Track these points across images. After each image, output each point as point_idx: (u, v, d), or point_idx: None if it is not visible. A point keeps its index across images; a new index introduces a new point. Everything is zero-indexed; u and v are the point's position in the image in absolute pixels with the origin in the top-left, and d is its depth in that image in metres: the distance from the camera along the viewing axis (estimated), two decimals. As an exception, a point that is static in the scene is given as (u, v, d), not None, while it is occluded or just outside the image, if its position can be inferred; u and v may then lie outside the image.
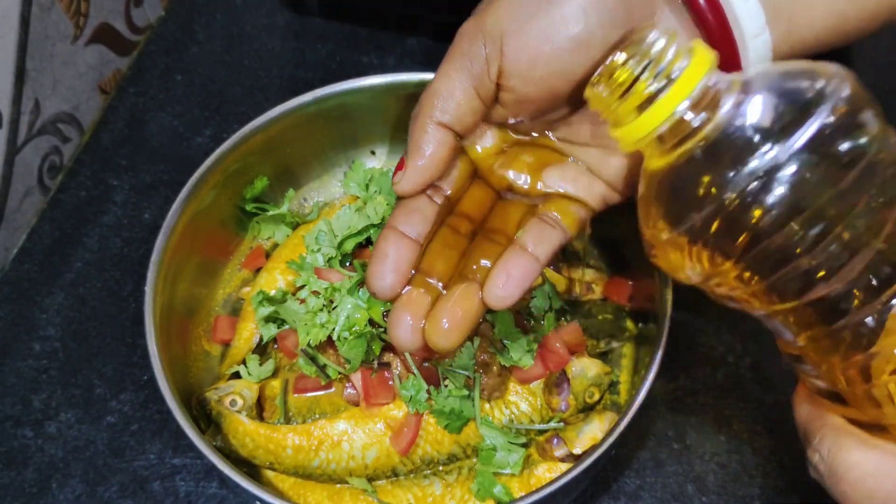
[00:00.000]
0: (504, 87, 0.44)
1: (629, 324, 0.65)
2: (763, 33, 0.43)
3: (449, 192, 0.48)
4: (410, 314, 0.45)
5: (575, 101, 0.45)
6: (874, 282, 0.37)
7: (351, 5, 0.92)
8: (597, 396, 0.63)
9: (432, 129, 0.44)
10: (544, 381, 0.63)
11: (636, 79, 0.38)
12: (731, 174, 0.36)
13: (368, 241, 0.67)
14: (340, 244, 0.66)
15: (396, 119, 0.72)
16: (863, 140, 0.36)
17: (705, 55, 0.38)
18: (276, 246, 0.72)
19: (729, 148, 0.37)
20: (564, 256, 0.72)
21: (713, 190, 0.37)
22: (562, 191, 0.49)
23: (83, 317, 0.74)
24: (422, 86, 0.68)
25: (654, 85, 0.38)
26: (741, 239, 0.37)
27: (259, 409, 0.64)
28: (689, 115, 0.38)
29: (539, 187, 0.49)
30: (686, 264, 0.40)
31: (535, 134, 0.50)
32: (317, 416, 0.63)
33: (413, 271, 0.46)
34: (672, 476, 0.65)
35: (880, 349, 0.37)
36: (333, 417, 0.62)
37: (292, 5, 0.93)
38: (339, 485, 0.62)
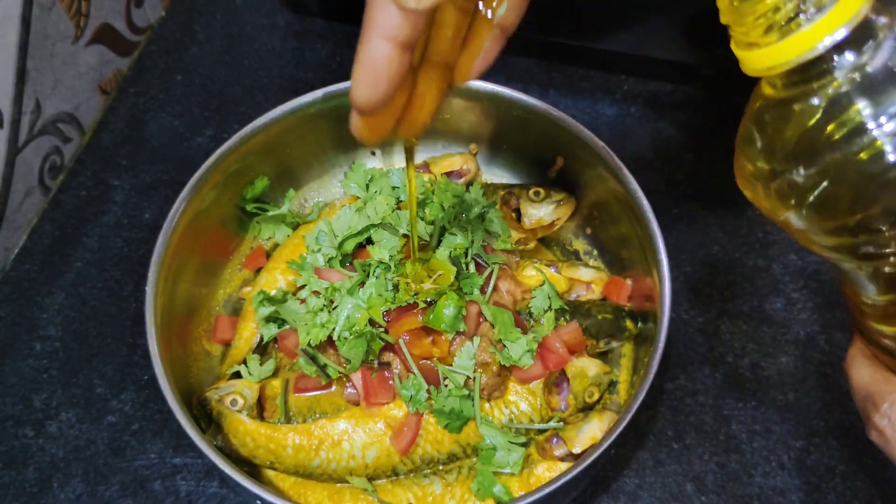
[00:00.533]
0: None
1: (629, 323, 0.66)
2: None
3: None
4: (383, 117, 0.41)
5: None
6: None
7: (351, 5, 0.92)
8: (596, 396, 0.63)
9: None
10: (544, 380, 0.63)
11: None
12: (872, 122, 0.33)
13: (369, 241, 0.67)
14: (341, 244, 0.66)
15: (396, 119, 0.72)
16: None
17: None
18: (276, 246, 0.72)
19: (874, 92, 0.33)
20: (564, 256, 0.73)
21: (844, 136, 0.33)
22: None
23: (84, 317, 0.74)
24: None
25: (803, 10, 0.33)
26: (863, 194, 0.34)
27: (260, 409, 0.64)
28: (835, 50, 0.33)
29: None
30: (786, 209, 0.37)
31: None
32: (317, 415, 0.64)
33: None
34: (671, 475, 0.66)
35: None
36: (334, 417, 0.62)
37: (292, 5, 0.93)
38: (339, 484, 0.62)
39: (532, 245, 0.72)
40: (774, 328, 0.72)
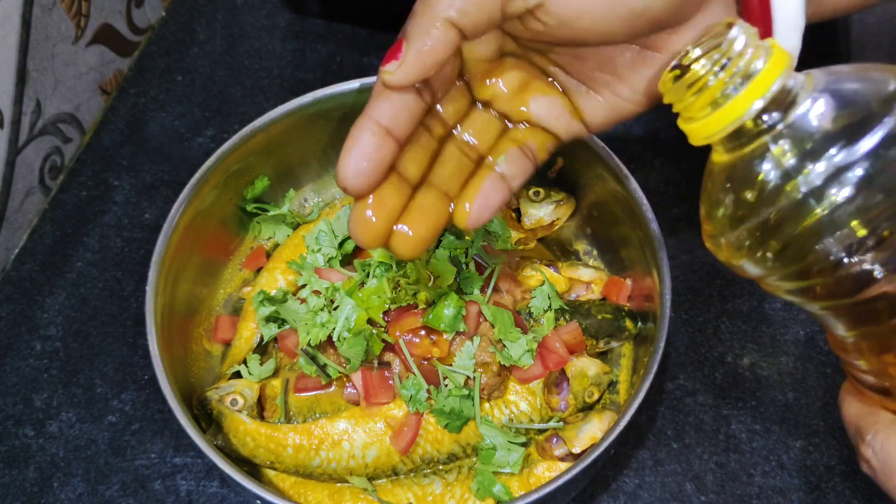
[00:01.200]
0: (535, 17, 0.42)
1: (628, 323, 0.66)
2: None
3: (436, 86, 0.44)
4: (376, 214, 0.43)
5: (594, 44, 0.44)
6: None
7: (351, 5, 0.92)
8: (596, 396, 0.63)
9: (441, 25, 0.40)
10: (544, 380, 0.63)
11: (711, 75, 0.38)
12: (799, 174, 0.37)
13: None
14: (341, 244, 0.66)
15: (396, 119, 0.72)
16: None
17: (782, 56, 0.38)
18: (276, 246, 0.72)
19: (798, 148, 0.37)
20: (564, 256, 0.73)
21: (779, 189, 0.37)
22: (543, 123, 0.47)
23: (84, 316, 0.74)
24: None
25: (729, 83, 0.38)
26: (802, 239, 0.37)
27: (260, 409, 0.64)
28: (761, 115, 0.38)
29: (521, 111, 0.47)
30: (745, 260, 0.40)
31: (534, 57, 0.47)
32: (317, 415, 0.64)
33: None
34: (671, 475, 0.66)
35: None
36: (334, 417, 0.62)
37: (292, 5, 0.93)
38: (339, 484, 0.62)
39: (532, 245, 0.72)
40: (774, 328, 0.72)
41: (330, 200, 0.76)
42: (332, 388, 0.64)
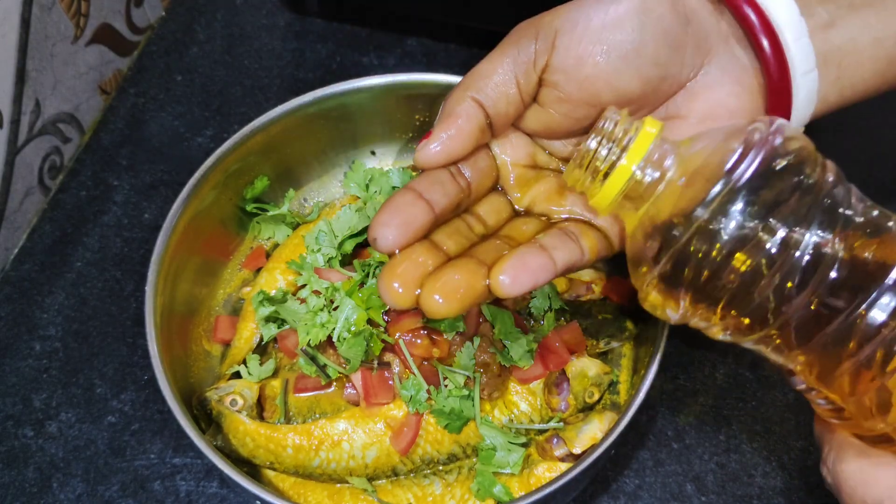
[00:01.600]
0: (547, 83, 0.44)
1: (629, 323, 0.65)
2: (812, 71, 0.44)
3: (470, 179, 0.47)
4: (408, 271, 0.41)
5: (612, 101, 0.46)
6: (835, 295, 0.39)
7: (351, 5, 0.92)
8: (596, 396, 0.63)
9: (465, 103, 0.44)
10: (544, 380, 0.63)
11: (596, 154, 0.43)
12: (680, 220, 0.41)
13: (368, 242, 0.67)
14: (340, 244, 0.66)
15: (396, 119, 0.72)
16: (797, 176, 0.40)
17: (652, 126, 0.43)
18: (276, 246, 0.72)
19: (680, 199, 0.41)
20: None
21: (668, 236, 0.41)
22: (584, 217, 0.48)
23: (84, 317, 0.74)
24: (421, 86, 0.69)
25: (610, 157, 0.43)
26: (701, 276, 0.40)
27: (259, 409, 0.64)
28: (642, 177, 0.43)
29: (561, 209, 0.49)
30: (665, 306, 0.44)
31: (563, 167, 0.50)
32: (317, 415, 0.64)
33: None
34: (671, 476, 0.66)
35: (855, 362, 0.39)
36: (333, 417, 0.62)
37: (292, 5, 0.93)
38: (339, 484, 0.62)
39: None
40: (775, 328, 0.71)
41: (330, 200, 0.75)
42: (332, 388, 0.64)
